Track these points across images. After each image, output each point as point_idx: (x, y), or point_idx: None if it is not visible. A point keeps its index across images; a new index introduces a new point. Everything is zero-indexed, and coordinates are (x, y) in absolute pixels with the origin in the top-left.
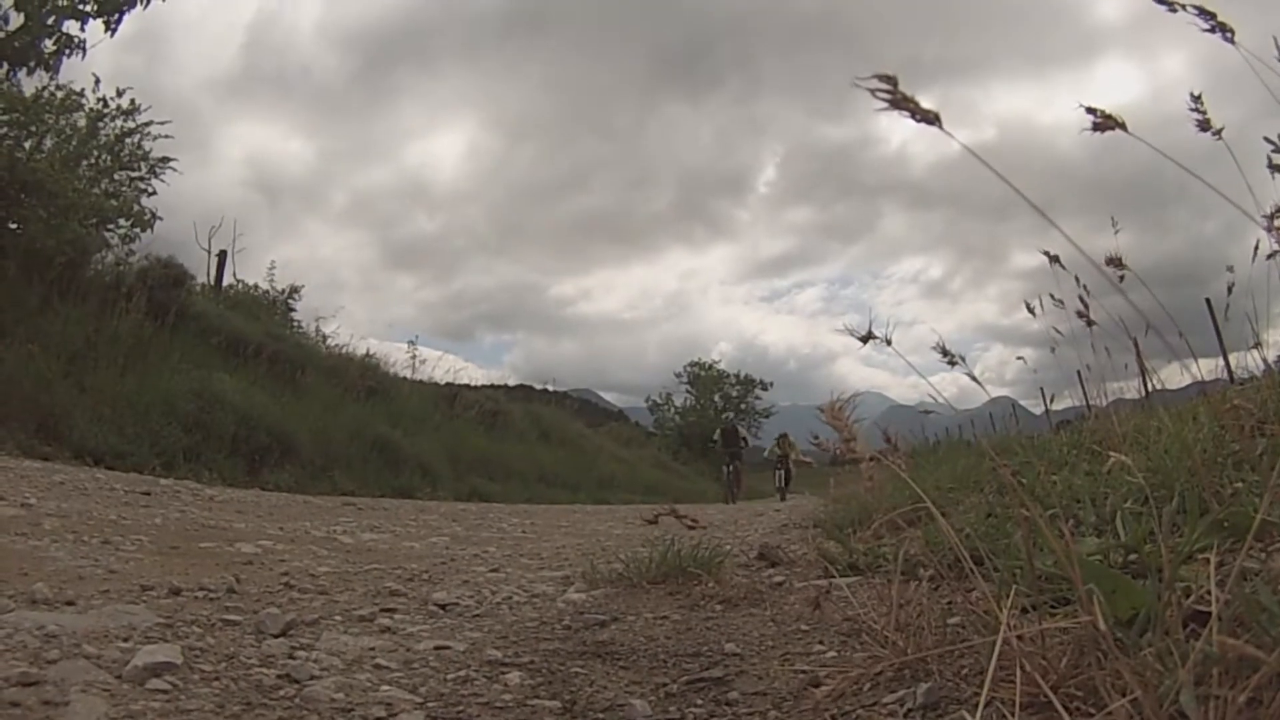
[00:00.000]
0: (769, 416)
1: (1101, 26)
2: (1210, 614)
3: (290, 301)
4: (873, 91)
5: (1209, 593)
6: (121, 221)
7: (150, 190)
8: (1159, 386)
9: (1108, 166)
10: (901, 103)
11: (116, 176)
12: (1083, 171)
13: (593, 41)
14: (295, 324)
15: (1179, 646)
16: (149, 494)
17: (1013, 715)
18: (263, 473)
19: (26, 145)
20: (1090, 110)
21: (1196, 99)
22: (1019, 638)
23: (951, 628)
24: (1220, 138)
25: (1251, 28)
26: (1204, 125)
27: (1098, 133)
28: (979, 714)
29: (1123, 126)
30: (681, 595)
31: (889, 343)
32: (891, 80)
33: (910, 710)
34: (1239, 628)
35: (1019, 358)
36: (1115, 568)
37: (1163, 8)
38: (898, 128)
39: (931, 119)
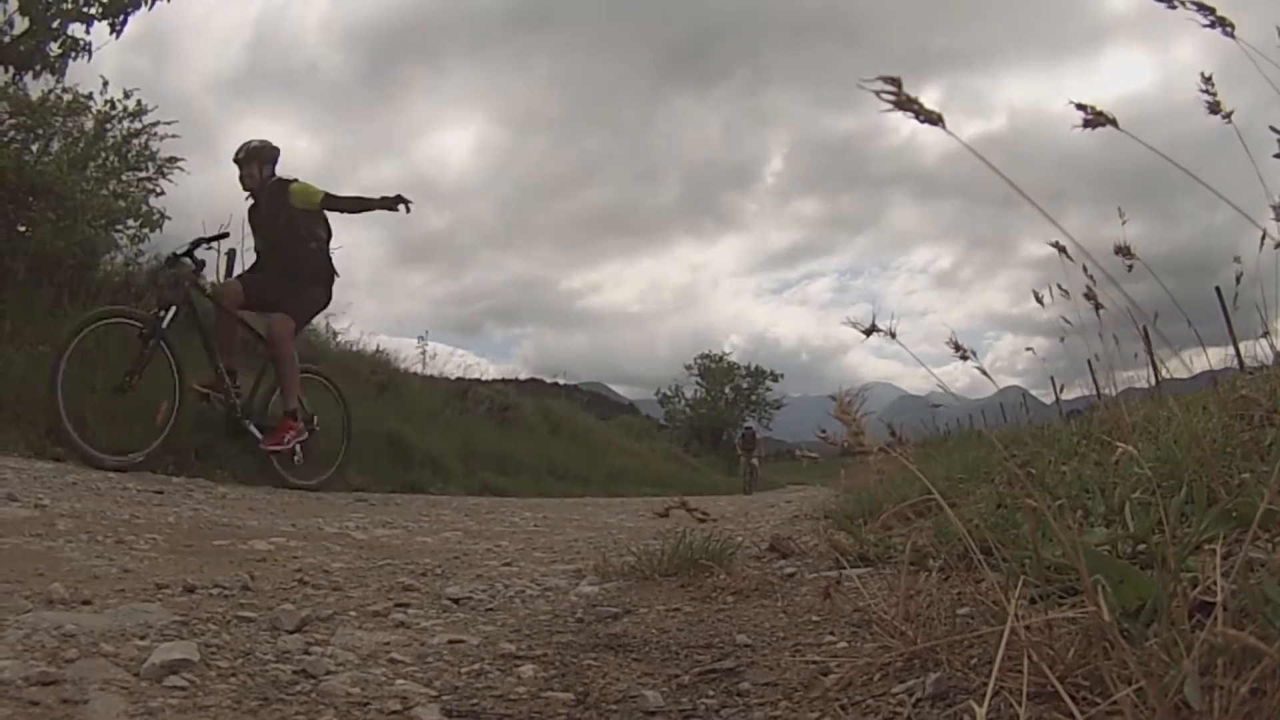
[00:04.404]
0: (780, 408)
1: (1111, 14)
2: (1216, 604)
3: None
4: (877, 93)
5: (1215, 583)
6: (130, 222)
7: (158, 190)
8: (1168, 375)
9: (1117, 155)
10: (905, 104)
11: (124, 177)
12: (1093, 160)
13: (599, 36)
14: None
15: (1184, 637)
16: (161, 493)
17: (1020, 705)
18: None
19: (34, 148)
20: (1080, 106)
21: (1207, 80)
22: (1027, 628)
23: (961, 618)
24: (1230, 121)
25: (1258, 15)
26: (1214, 108)
27: (1088, 129)
28: (986, 704)
29: (1113, 123)
30: (693, 587)
31: (894, 335)
32: (895, 81)
33: (919, 700)
34: (1244, 618)
35: (1028, 349)
36: (1122, 558)
37: (1164, 3)
38: (908, 118)
39: (935, 120)
